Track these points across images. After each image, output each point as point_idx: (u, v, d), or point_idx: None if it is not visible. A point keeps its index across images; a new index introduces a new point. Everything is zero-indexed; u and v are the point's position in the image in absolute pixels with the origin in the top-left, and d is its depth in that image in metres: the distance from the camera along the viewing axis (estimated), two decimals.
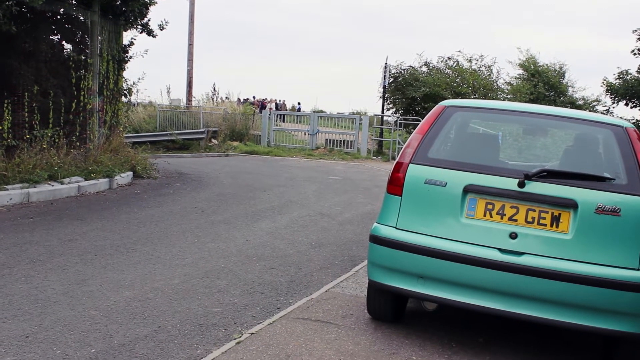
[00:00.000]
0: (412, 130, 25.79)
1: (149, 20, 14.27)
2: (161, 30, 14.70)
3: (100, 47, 12.84)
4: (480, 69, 26.49)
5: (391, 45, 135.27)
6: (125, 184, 12.15)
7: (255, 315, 4.82)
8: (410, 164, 4.48)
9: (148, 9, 14.01)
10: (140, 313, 4.71)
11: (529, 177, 4.14)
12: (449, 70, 26.64)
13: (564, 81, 28.06)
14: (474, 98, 25.23)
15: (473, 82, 25.43)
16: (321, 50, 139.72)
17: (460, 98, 24.80)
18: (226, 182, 13.46)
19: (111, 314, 4.65)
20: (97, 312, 4.68)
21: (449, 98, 24.47)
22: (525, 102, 25.93)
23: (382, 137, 25.69)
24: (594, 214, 4.03)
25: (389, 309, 4.77)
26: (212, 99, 31.78)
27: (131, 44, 14.26)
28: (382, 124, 26.61)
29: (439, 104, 4.96)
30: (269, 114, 26.64)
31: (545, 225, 4.11)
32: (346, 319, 4.81)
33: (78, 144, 12.00)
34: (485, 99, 25.55)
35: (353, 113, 32.39)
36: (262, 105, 40.34)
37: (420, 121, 20.59)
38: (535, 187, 4.13)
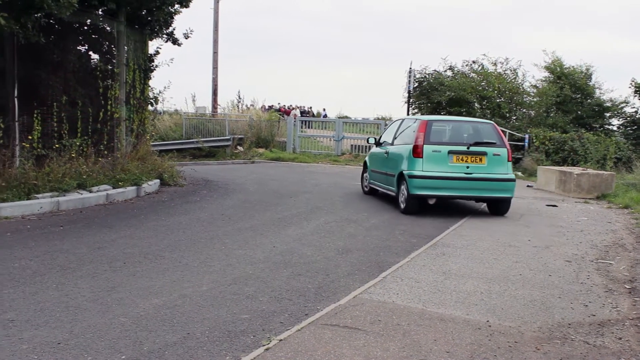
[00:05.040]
0: None
1: (174, 29, 14.41)
2: (186, 39, 14.84)
3: (127, 57, 12.99)
4: (506, 72, 26.23)
5: (414, 50, 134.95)
6: (153, 191, 12.25)
7: (283, 322, 4.81)
8: (424, 145, 10.57)
9: (173, 18, 14.15)
10: (169, 320, 4.73)
11: (470, 145, 10.61)
12: (474, 74, 26.40)
13: (591, 83, 27.62)
14: (499, 101, 25.08)
15: (498, 86, 25.19)
16: (344, 55, 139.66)
17: (486, 102, 24.79)
18: (252, 189, 13.50)
19: (140, 321, 4.67)
20: (126, 319, 4.71)
21: (474, 102, 24.65)
22: (552, 104, 25.69)
23: None
24: (493, 155, 10.63)
25: (416, 206, 10.71)
26: (237, 106, 31.91)
27: (157, 53, 14.39)
28: None
29: (422, 119, 11.27)
30: (294, 121, 26.68)
31: (477, 162, 10.57)
32: (374, 325, 4.78)
33: (106, 152, 12.14)
34: (510, 102, 25.41)
35: (378, 118, 32.29)
36: (284, 112, 40.40)
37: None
38: (472, 148, 10.58)
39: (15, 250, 6.83)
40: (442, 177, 10.36)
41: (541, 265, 7.15)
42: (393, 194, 11.49)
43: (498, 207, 11.03)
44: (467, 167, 10.45)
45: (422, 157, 10.44)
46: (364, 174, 13.95)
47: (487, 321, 5.02)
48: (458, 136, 11.26)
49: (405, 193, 10.68)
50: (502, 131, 20.08)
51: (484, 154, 10.56)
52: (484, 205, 11.98)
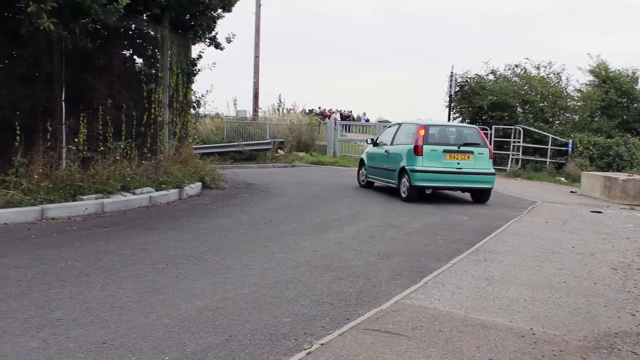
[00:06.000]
0: None
1: (216, 33, 14.56)
2: (228, 43, 14.96)
3: (170, 61, 13.15)
4: (549, 76, 25.77)
5: (456, 54, 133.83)
6: (195, 194, 12.38)
7: (324, 326, 4.81)
8: (423, 145, 12.76)
9: (215, 23, 14.29)
10: (211, 322, 4.77)
11: (460, 145, 13.01)
12: (516, 78, 26.00)
13: (637, 87, 26.94)
14: (542, 106, 24.67)
15: (542, 90, 24.79)
16: (385, 59, 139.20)
17: (528, 106, 24.40)
18: (293, 193, 13.55)
19: (184, 323, 4.73)
20: (170, 320, 4.77)
21: (516, 106, 24.33)
22: (596, 109, 25.19)
23: None
24: (478, 154, 13.09)
25: (416, 195, 12.85)
26: (278, 110, 32.00)
27: (199, 57, 14.54)
28: None
29: (420, 124, 13.48)
30: (335, 125, 26.68)
31: (466, 159, 12.96)
32: (416, 330, 4.75)
33: (149, 155, 12.31)
34: (554, 106, 25.00)
35: None
36: (325, 116, 40.44)
37: (487, 130, 20.49)
38: (462, 148, 13.00)
39: (62, 251, 6.98)
40: (438, 171, 12.76)
41: (586, 272, 7.02)
42: (394, 185, 13.70)
43: (481, 196, 13.51)
44: (458, 163, 12.90)
45: (421, 155, 12.73)
46: (360, 170, 16.02)
47: (531, 329, 4.94)
48: (450, 138, 13.50)
49: (407, 184, 12.92)
50: (545, 135, 22.63)
51: (471, 152, 13.03)
52: (526, 211, 11.97)
